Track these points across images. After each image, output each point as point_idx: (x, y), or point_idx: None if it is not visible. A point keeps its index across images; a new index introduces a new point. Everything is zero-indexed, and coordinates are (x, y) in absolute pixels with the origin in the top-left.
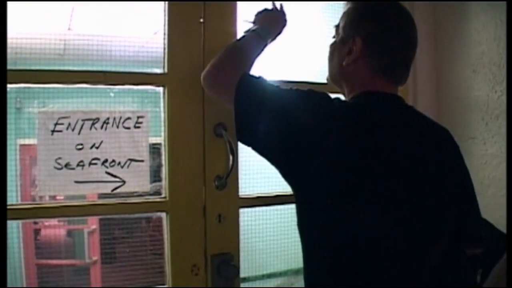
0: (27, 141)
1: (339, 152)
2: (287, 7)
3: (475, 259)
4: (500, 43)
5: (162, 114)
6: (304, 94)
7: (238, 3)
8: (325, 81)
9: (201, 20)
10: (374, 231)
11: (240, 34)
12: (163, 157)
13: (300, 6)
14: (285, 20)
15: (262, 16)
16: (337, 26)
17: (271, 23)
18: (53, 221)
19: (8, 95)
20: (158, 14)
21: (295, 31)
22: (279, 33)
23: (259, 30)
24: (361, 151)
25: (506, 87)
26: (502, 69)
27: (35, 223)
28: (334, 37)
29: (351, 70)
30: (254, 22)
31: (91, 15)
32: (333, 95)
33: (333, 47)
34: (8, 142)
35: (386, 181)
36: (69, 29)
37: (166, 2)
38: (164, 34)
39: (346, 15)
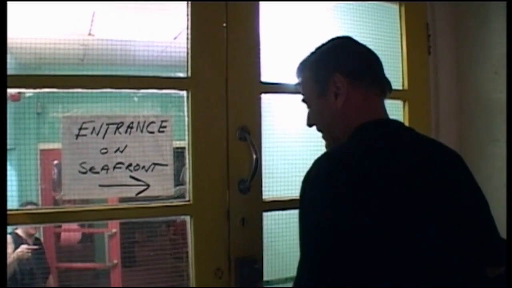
0: (47, 146)
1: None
2: (295, 7)
3: (499, 277)
4: None
5: (186, 118)
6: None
7: (261, 3)
8: None
9: (224, 24)
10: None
11: (263, 35)
12: (187, 161)
13: (308, 6)
14: None
15: None
16: (301, 87)
17: None
18: (73, 225)
19: (28, 100)
20: (178, 18)
21: (304, 32)
22: None
23: None
24: (387, 198)
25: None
26: None
27: (57, 227)
28: (303, 100)
29: (346, 108)
30: None
31: (112, 20)
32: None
33: (314, 106)
34: (29, 147)
35: (418, 219)
36: (89, 34)
37: (189, 3)
38: (187, 37)
39: (308, 70)
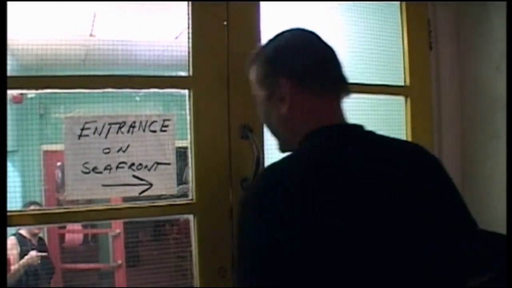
0: (50, 147)
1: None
2: (299, 7)
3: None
4: None
5: (188, 117)
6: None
7: (262, 3)
8: None
9: (225, 23)
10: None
11: (263, 34)
12: (189, 159)
13: (310, 5)
14: None
15: None
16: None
17: None
18: (77, 226)
19: (31, 101)
20: (179, 18)
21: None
22: None
23: None
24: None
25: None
26: None
27: (61, 228)
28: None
29: (293, 115)
30: None
31: (113, 21)
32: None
33: (262, 107)
34: (32, 148)
35: (373, 226)
36: (91, 35)
37: (190, 3)
38: (188, 36)
39: (254, 70)
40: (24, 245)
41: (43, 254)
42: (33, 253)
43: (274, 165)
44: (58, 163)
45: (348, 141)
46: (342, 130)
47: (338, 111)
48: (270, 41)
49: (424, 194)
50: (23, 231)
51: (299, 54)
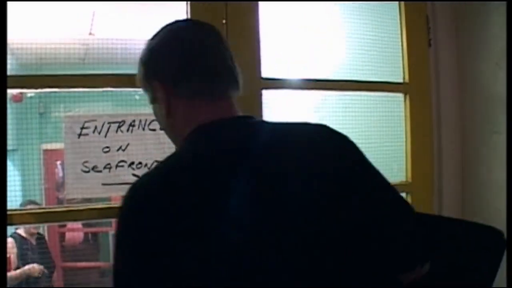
0: (50, 146)
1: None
2: (303, 7)
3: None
4: None
5: None
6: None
7: (260, 3)
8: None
9: (224, 21)
10: None
11: (262, 34)
12: None
13: (315, 6)
14: None
15: None
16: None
17: None
18: (77, 224)
19: (31, 101)
20: (178, 17)
21: (305, 27)
22: None
23: None
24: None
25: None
26: None
27: (61, 227)
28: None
29: (173, 117)
30: None
31: (112, 20)
32: None
33: (152, 108)
34: (32, 147)
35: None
36: (90, 34)
37: (188, 2)
38: None
39: (138, 71)
40: (23, 245)
41: (45, 270)
42: (35, 266)
43: (148, 174)
44: (58, 162)
45: (228, 136)
46: (220, 126)
47: (220, 108)
48: (151, 39)
49: (333, 181)
50: (21, 231)
51: (171, 56)
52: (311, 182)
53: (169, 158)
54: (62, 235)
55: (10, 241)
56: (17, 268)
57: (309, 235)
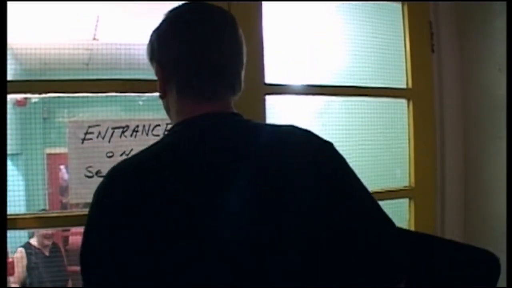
0: (54, 150)
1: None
2: (297, 7)
3: None
4: None
5: None
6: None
7: (264, 3)
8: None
9: None
10: None
11: (265, 35)
12: None
13: (311, 6)
14: None
15: None
16: None
17: None
18: (81, 228)
19: (35, 105)
20: None
21: (306, 32)
22: None
23: None
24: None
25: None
26: None
27: (65, 231)
28: None
29: (166, 103)
30: None
31: (116, 24)
32: None
33: None
34: (35, 151)
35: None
36: (94, 39)
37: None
38: None
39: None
40: (33, 257)
41: None
42: None
43: (123, 161)
44: (62, 166)
45: (208, 133)
46: (201, 121)
47: (208, 107)
48: (164, 17)
49: (304, 189)
50: (33, 241)
51: (169, 45)
52: (281, 185)
53: (149, 146)
54: (66, 239)
55: (20, 250)
56: (24, 281)
57: (277, 240)
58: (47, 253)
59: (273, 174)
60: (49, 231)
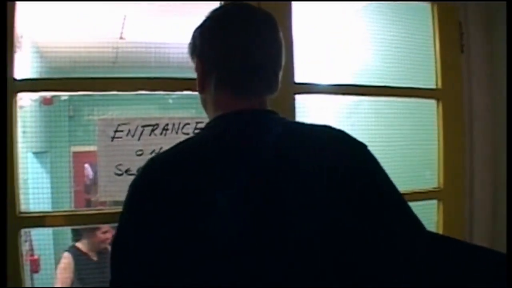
0: (79, 149)
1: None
2: (330, 7)
3: None
4: None
5: None
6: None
7: (293, 3)
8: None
9: None
10: None
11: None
12: None
13: (338, 7)
14: None
15: None
16: None
17: None
18: (107, 226)
19: (59, 104)
20: None
21: (334, 32)
22: None
23: None
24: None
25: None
26: None
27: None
28: None
29: (204, 98)
30: None
31: (143, 23)
32: None
33: None
34: (61, 150)
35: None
36: (121, 38)
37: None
38: None
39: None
40: (81, 264)
41: None
42: None
43: (159, 154)
44: (87, 164)
45: (244, 129)
46: (237, 117)
47: (244, 103)
48: (208, 15)
49: (335, 188)
50: (81, 245)
51: (211, 42)
52: (312, 184)
53: (186, 140)
54: None
55: (67, 256)
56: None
57: (298, 238)
58: (95, 258)
59: (309, 173)
60: (102, 235)
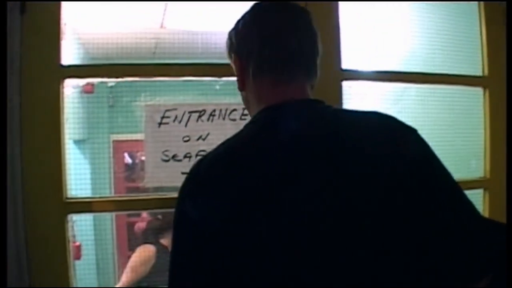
0: (119, 137)
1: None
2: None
3: None
4: None
5: None
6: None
7: (340, 3)
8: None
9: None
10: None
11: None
12: None
13: (389, 5)
14: None
15: None
16: None
17: None
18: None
19: (100, 92)
20: None
21: (382, 18)
22: None
23: None
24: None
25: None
26: None
27: (129, 215)
28: None
29: (245, 94)
30: None
31: (185, 12)
32: None
33: None
34: (101, 139)
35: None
36: (162, 27)
37: None
38: None
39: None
40: (164, 258)
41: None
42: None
43: (209, 153)
44: (126, 153)
45: (294, 119)
46: (285, 109)
47: (288, 91)
48: (243, 14)
49: (392, 179)
50: (165, 242)
51: (247, 36)
52: (372, 176)
53: (233, 137)
54: (131, 225)
55: (150, 249)
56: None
57: (364, 232)
58: None
59: (362, 161)
60: None
